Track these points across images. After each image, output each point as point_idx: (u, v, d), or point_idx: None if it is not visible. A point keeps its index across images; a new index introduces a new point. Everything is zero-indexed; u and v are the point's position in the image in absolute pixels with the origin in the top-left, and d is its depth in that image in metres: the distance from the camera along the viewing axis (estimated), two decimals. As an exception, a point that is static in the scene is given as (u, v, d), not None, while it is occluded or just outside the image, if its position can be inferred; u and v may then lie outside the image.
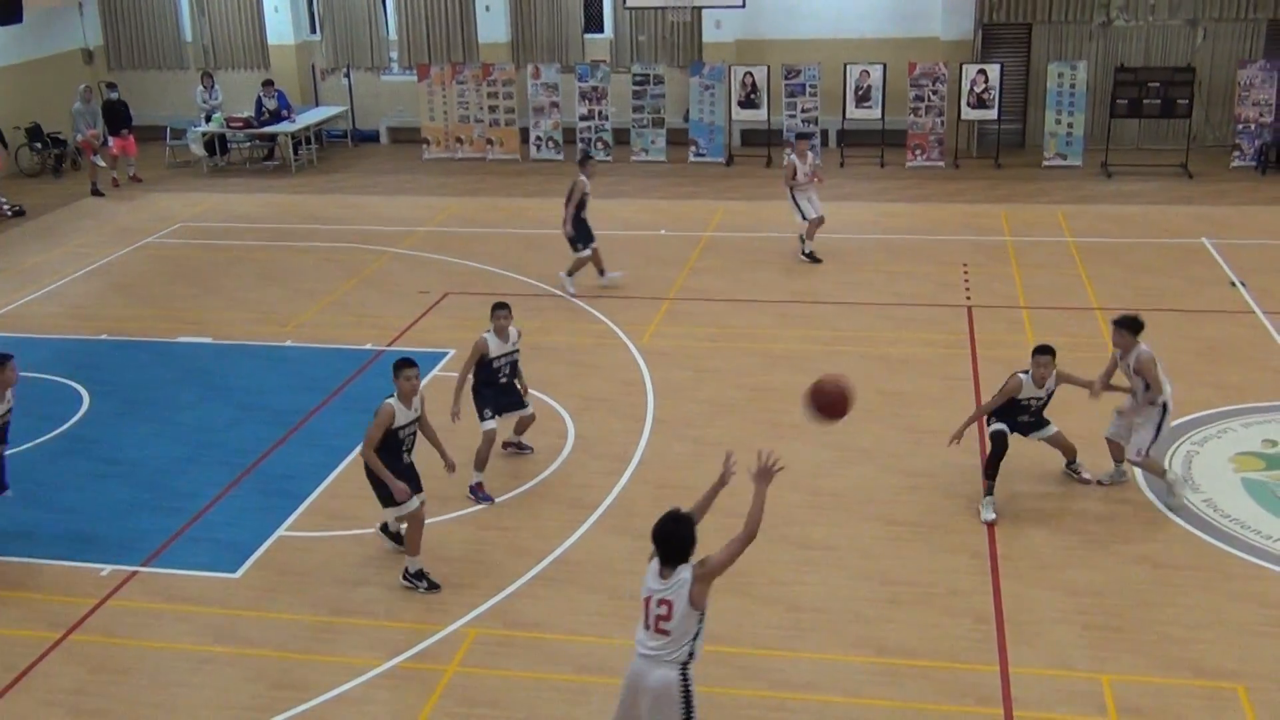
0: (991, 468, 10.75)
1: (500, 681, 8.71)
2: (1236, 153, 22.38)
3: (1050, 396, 10.84)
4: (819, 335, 14.92)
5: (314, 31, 27.04)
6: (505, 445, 11.89)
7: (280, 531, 10.79)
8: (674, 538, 7.18)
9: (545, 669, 8.84)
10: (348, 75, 26.76)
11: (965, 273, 17.10)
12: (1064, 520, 10.64)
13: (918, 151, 23.40)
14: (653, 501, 11.03)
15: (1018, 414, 10.80)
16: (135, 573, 10.20)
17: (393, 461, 9.58)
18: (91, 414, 13.28)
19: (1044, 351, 10.65)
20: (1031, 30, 23.72)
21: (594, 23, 25.90)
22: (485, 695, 8.56)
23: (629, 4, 23.47)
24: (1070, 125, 22.82)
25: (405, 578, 9.83)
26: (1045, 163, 22.91)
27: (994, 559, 10.05)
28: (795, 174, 17.52)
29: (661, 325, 15.40)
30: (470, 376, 11.24)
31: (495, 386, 11.35)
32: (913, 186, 22.01)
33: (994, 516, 10.59)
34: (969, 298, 16.11)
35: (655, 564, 7.19)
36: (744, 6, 23.14)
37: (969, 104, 23.04)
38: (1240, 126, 22.33)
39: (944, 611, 9.38)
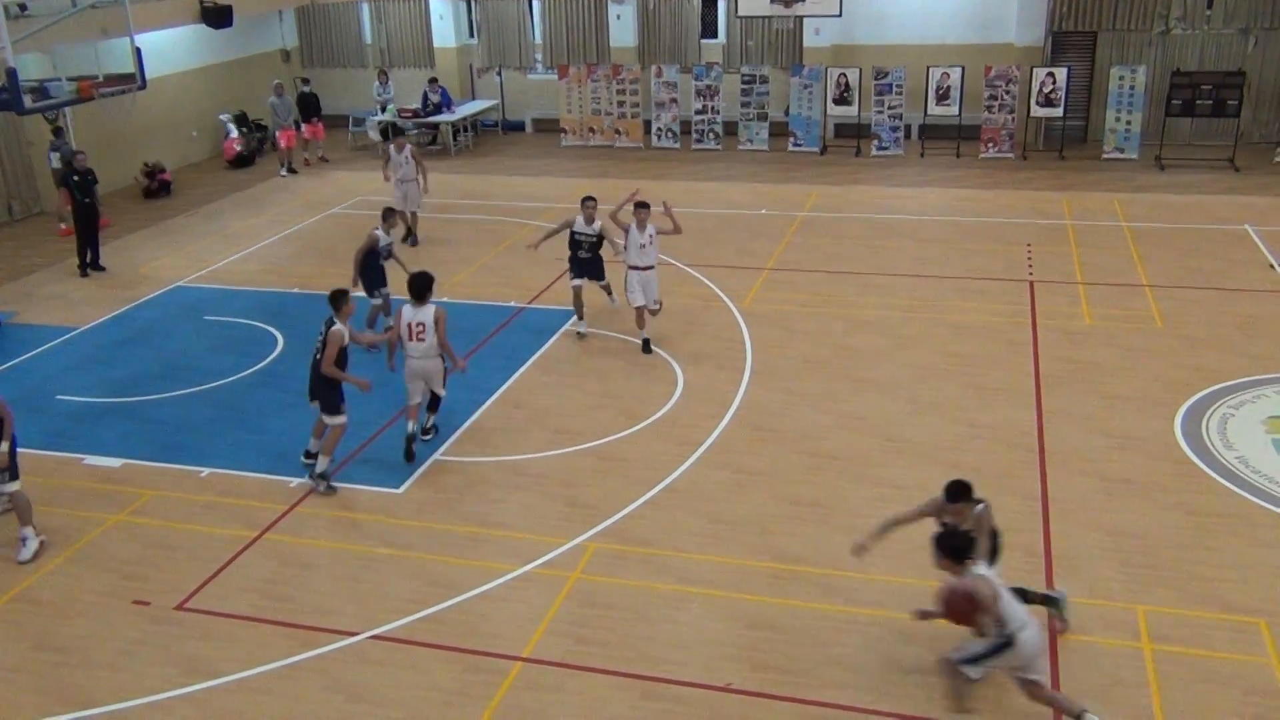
0: None
1: (615, 588, 8.82)
2: (1281, 149, 21.34)
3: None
4: (897, 303, 14.67)
5: (472, 36, 27.21)
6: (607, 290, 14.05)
7: (436, 456, 11.00)
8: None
9: (653, 579, 8.92)
10: (499, 74, 26.92)
11: (1029, 252, 16.63)
12: (1109, 470, 10.35)
13: (990, 144, 22.74)
14: (749, 442, 11.05)
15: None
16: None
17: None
18: (284, 354, 13.66)
19: (958, 497, 7.78)
20: (1097, 38, 22.82)
21: (709, 29, 25.61)
22: (602, 598, 8.67)
23: (740, 13, 23.12)
24: (1129, 122, 21.93)
25: (313, 476, 10.36)
26: (1105, 156, 22.07)
27: (1044, 502, 9.83)
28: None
29: (761, 292, 15.29)
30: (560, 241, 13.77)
31: (579, 260, 13.56)
32: (984, 175, 21.41)
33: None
34: (1031, 273, 15.66)
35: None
36: (840, 15, 22.65)
37: (1038, 102, 22.28)
38: (1286, 125, 21.26)
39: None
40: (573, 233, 13.61)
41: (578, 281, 13.70)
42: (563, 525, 9.68)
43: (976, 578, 7.07)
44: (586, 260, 13.71)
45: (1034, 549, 9.14)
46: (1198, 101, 21.09)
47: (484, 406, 12.04)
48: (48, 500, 10.31)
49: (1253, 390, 11.79)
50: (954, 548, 7.27)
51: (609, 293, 14.15)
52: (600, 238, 13.58)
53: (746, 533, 9.50)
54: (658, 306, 13.45)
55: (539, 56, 26.69)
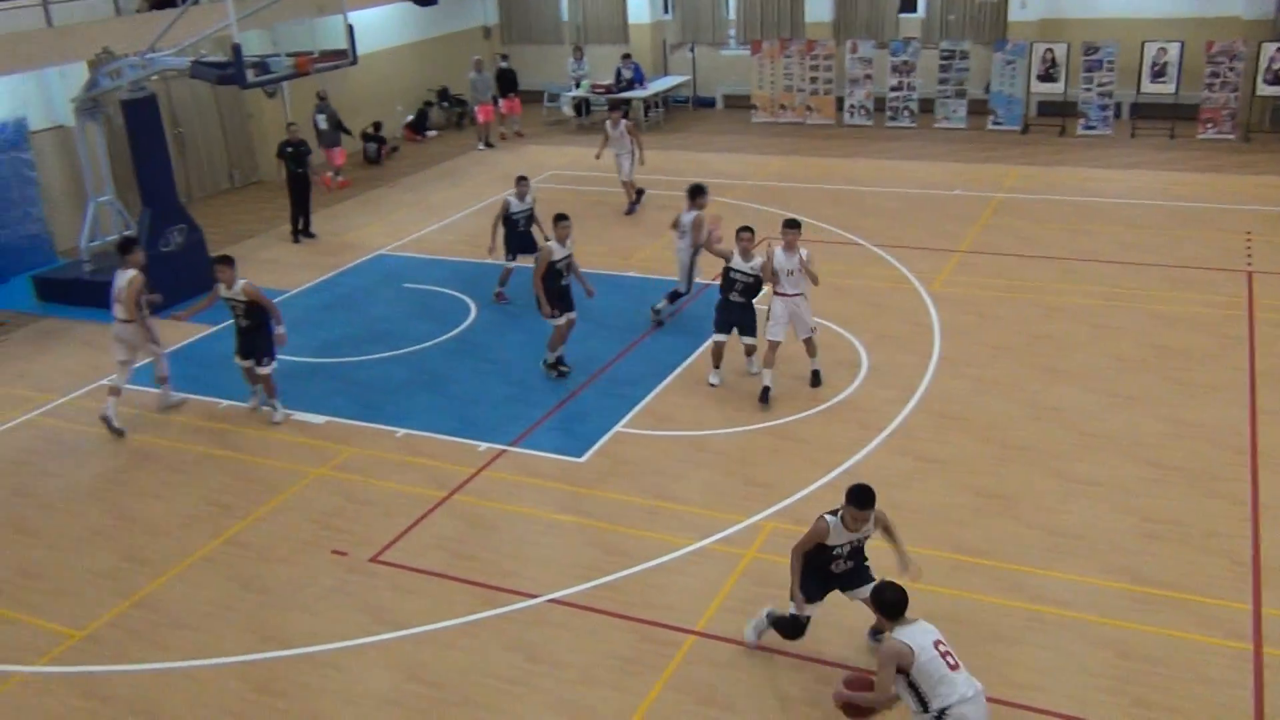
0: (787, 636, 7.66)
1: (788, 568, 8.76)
2: None
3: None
4: (1099, 291, 13.96)
5: (666, 12, 27.31)
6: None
7: (618, 427, 11.17)
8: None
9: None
10: (692, 49, 26.94)
11: (1248, 240, 15.52)
12: (1330, 478, 9.61)
13: (1209, 125, 21.29)
14: (934, 429, 10.78)
15: (829, 563, 7.38)
16: (504, 451, 10.83)
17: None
18: (477, 322, 14.13)
19: (860, 501, 7.10)
20: (1338, 9, 21.03)
21: (908, 3, 24.88)
22: (776, 578, 8.64)
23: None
24: (1371, 102, 20.16)
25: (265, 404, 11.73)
26: (1341, 138, 20.38)
27: (1255, 506, 9.21)
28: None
29: (952, 274, 14.83)
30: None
31: (729, 304, 11.64)
32: (1201, 158, 20.07)
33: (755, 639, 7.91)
34: (1250, 263, 14.63)
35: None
36: (1049, -12, 21.64)
37: (1265, 80, 20.70)
38: None
39: (1201, 550, 8.70)
40: (728, 268, 11.56)
41: (722, 337, 11.67)
42: (740, 503, 9.69)
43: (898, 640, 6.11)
44: (739, 306, 11.59)
45: (1241, 557, 8.58)
46: None
47: (665, 381, 12.14)
48: (259, 451, 11.04)
49: None
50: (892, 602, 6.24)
51: (750, 354, 11.98)
52: (758, 279, 11.40)
53: (927, 521, 9.28)
54: (811, 334, 11.51)
55: (733, 32, 26.55)
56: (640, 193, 18.73)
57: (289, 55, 15.31)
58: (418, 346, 13.42)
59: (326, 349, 13.48)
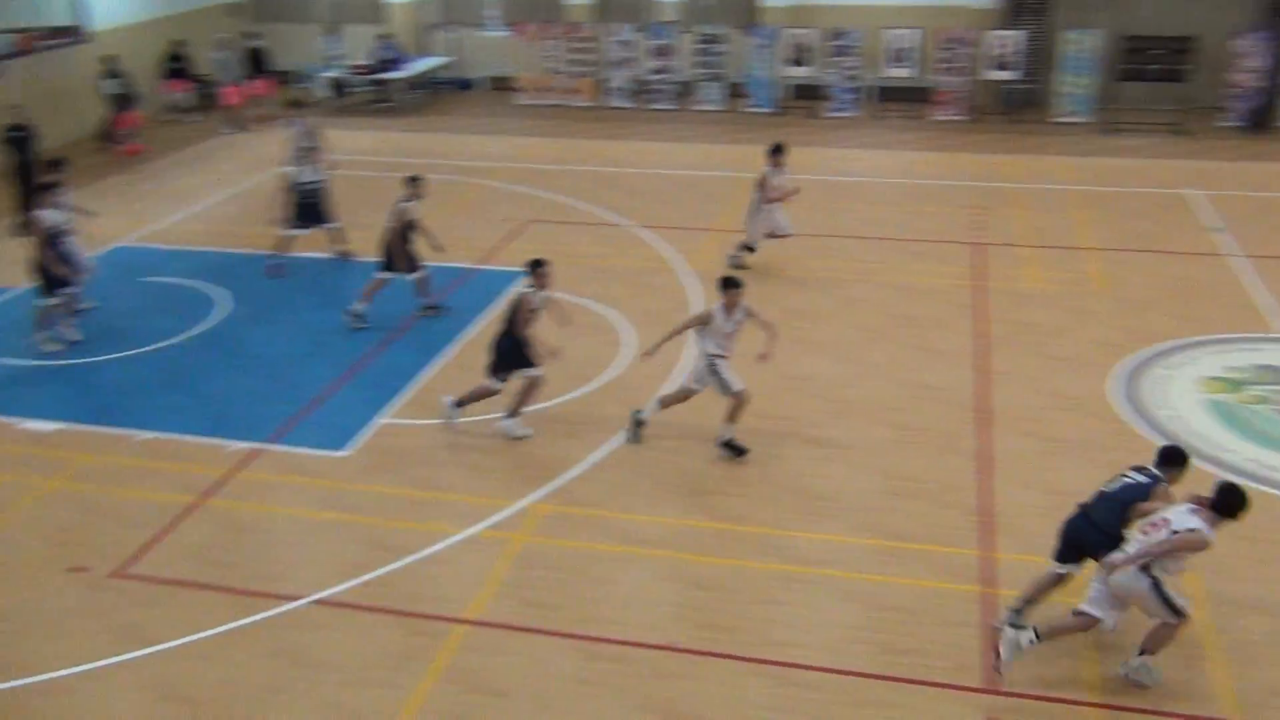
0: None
1: (561, 550, 8.84)
2: (1227, 114, 21.57)
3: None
4: (846, 265, 14.72)
5: (424, -9, 26.81)
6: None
7: (381, 419, 10.95)
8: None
9: (598, 540, 8.95)
10: (454, 30, 26.54)
11: (978, 215, 16.74)
12: (1049, 430, 10.49)
13: (944, 107, 22.80)
14: (695, 403, 11.03)
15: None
16: (260, 449, 10.40)
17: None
18: (228, 316, 13.49)
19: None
20: (1053, 1, 22.87)
21: (665, -12, 25.42)
22: (547, 560, 8.70)
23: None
24: (1081, 86, 22.09)
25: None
26: (1056, 119, 22.23)
27: (986, 461, 9.97)
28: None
29: (711, 254, 15.24)
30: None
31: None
32: (937, 138, 21.48)
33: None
34: (980, 236, 15.78)
35: None
36: (795, -25, 22.56)
37: (992, 66, 22.37)
38: (1232, 90, 21.49)
39: (939, 504, 9.35)
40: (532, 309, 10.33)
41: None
42: (509, 487, 9.68)
43: None
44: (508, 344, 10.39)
45: (974, 507, 9.27)
46: (1148, 66, 21.30)
47: (429, 369, 11.97)
48: (-17, 465, 10.17)
49: (1189, 352, 12.00)
50: None
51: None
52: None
53: (690, 491, 9.56)
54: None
55: (494, 13, 26.33)
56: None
57: (10, 32, 14.08)
58: (161, 344, 12.67)
59: (57, 350, 12.53)
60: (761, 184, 14.33)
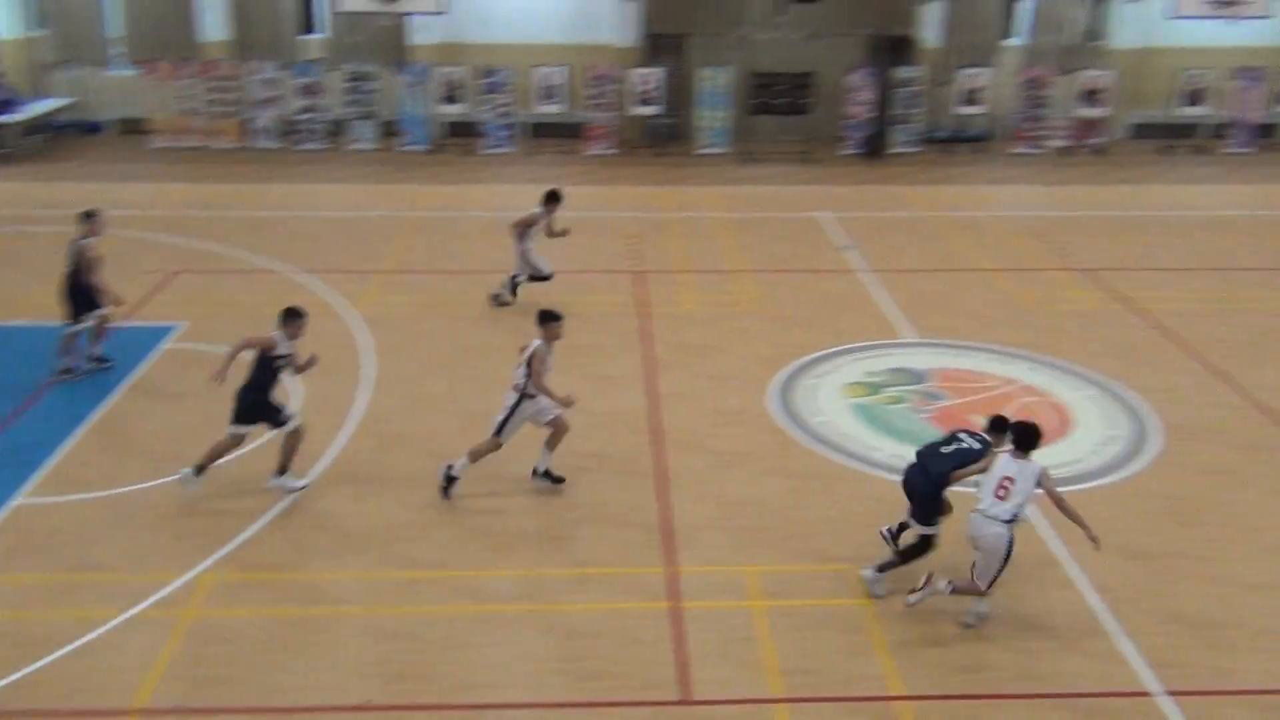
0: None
1: (237, 620, 8.29)
2: (847, 143, 23.85)
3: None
4: (518, 301, 14.88)
5: (41, 26, 24.53)
6: None
7: (18, 499, 9.85)
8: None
9: (279, 605, 8.49)
10: (75, 69, 24.45)
11: (635, 243, 17.47)
12: (717, 445, 11.07)
13: (595, 141, 23.67)
14: (375, 451, 10.79)
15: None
16: None
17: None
18: None
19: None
20: (688, 40, 24.36)
21: (310, 24, 24.75)
22: (223, 633, 8.14)
23: (339, 8, 22.51)
24: (719, 120, 23.65)
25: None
26: (699, 151, 23.67)
27: (662, 480, 10.37)
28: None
29: (377, 295, 14.96)
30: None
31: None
32: (591, 171, 22.27)
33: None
34: (638, 265, 16.48)
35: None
36: (444, 13, 22.65)
37: (637, 101, 23.48)
38: (848, 122, 23.79)
39: (621, 525, 9.60)
40: (276, 356, 9.82)
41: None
42: (176, 559, 8.98)
43: None
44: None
45: (653, 525, 9.62)
46: (775, 100, 23.20)
47: (73, 438, 10.92)
48: None
49: (832, 361, 13.11)
50: None
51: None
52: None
53: (381, 542, 9.29)
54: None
55: (120, 51, 24.54)
56: None
57: None
58: None
59: None
60: (529, 223, 14.33)
